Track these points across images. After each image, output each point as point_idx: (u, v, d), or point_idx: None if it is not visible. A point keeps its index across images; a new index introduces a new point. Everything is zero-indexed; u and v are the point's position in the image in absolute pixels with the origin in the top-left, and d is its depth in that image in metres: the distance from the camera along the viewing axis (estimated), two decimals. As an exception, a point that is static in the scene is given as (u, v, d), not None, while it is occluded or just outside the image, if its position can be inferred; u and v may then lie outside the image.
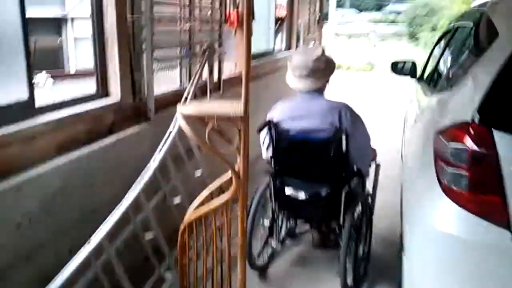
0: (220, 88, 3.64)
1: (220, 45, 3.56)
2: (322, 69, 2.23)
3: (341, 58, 15.29)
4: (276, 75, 5.23)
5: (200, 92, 3.08)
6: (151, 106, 2.72)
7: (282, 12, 6.09)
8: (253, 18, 4.32)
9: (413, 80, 3.97)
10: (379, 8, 48.65)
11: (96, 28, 2.45)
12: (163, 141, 2.52)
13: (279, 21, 5.98)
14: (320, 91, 2.29)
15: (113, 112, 2.48)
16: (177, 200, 2.51)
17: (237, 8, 4.05)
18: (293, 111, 2.27)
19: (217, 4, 3.58)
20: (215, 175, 2.07)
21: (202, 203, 2.05)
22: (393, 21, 40.32)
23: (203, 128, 1.87)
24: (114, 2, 2.42)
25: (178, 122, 1.75)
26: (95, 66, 2.49)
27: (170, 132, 2.57)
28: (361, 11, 48.62)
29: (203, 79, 3.20)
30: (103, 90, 2.51)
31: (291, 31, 6.12)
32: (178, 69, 3.26)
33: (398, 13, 42.13)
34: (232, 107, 1.85)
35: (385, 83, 12.72)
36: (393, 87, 12.56)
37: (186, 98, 2.86)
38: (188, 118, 1.82)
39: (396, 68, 3.87)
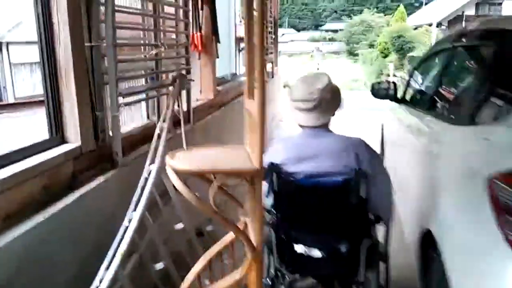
0: (191, 119, 3.19)
1: (188, 72, 3.12)
2: (329, 100, 1.86)
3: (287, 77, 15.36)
4: (241, 100, 4.85)
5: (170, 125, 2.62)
6: (117, 149, 2.22)
7: (241, 33, 5.74)
8: (218, 41, 3.92)
9: (390, 101, 3.71)
10: (316, 27, 50.07)
11: (45, 57, 1.94)
12: (137, 193, 2.04)
13: (238, 41, 5.63)
14: (327, 125, 1.91)
15: (73, 161, 1.96)
16: (159, 265, 2.02)
17: (200, 30, 3.66)
18: (299, 151, 1.86)
19: (181, 27, 3.16)
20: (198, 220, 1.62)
21: (198, 277, 1.60)
22: (330, 39, 41.59)
23: (198, 181, 1.44)
24: (68, 25, 1.93)
25: (172, 181, 1.29)
26: (46, 104, 1.97)
27: (146, 180, 2.09)
28: (299, 30, 49.82)
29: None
30: (58, 134, 1.98)
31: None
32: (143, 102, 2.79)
33: (335, 31, 43.57)
34: (239, 156, 1.42)
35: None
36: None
37: (159, 135, 2.40)
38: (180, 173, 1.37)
39: (378, 91, 3.59)
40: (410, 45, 18.73)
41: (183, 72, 2.97)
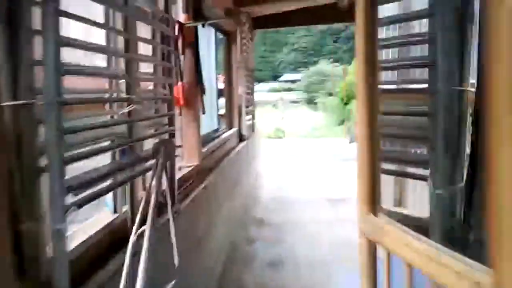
0: (175, 199, 2.20)
1: (172, 135, 2.16)
2: None
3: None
4: (227, 162, 3.91)
5: (143, 215, 1.63)
6: (62, 284, 1.21)
7: (221, 85, 4.89)
8: (203, 92, 3.02)
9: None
10: (275, 78, 50.74)
11: None
12: None
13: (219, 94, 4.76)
14: None
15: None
16: None
17: (181, 79, 2.75)
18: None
19: (159, 73, 2.22)
20: None
21: None
22: (289, 89, 41.94)
23: None
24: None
25: None
26: None
27: None
28: (259, 82, 50.25)
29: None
30: None
31: (231, 105, 4.92)
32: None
33: (293, 81, 44.13)
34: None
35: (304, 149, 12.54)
36: (309, 151, 12.21)
37: (138, 239, 1.41)
38: None
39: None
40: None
41: (167, 137, 2.02)
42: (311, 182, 6.98)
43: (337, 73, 31.86)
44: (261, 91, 41.52)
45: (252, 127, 5.89)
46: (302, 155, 12.33)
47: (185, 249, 2.27)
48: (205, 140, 3.56)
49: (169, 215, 1.71)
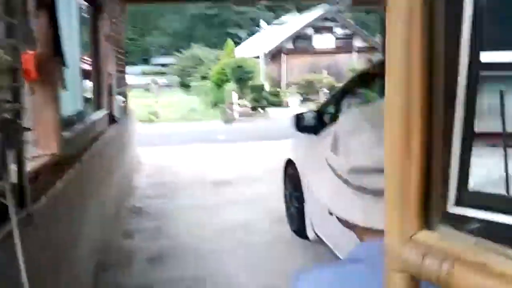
0: (25, 200, 1.66)
1: (18, 115, 1.60)
2: None
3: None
4: (96, 148, 3.34)
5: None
6: None
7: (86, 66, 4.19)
8: (64, 63, 2.43)
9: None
10: (145, 61, 48.61)
11: None
12: None
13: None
14: None
15: None
16: None
17: (34, 47, 2.14)
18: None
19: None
20: None
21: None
22: (161, 73, 40.61)
23: None
24: None
25: None
26: None
27: None
28: (128, 65, 47.51)
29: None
30: None
31: (100, 84, 4.26)
32: None
33: (165, 65, 42.77)
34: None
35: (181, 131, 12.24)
36: (185, 134, 11.89)
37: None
38: None
39: (302, 123, 2.64)
40: (250, 75, 18.75)
41: (10, 116, 1.48)
42: (193, 165, 6.63)
43: (210, 57, 31.74)
44: (132, 74, 39.41)
45: (125, 109, 5.28)
46: (179, 138, 11.95)
47: (43, 265, 1.76)
48: (68, 123, 2.96)
49: (13, 223, 1.22)
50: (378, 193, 0.70)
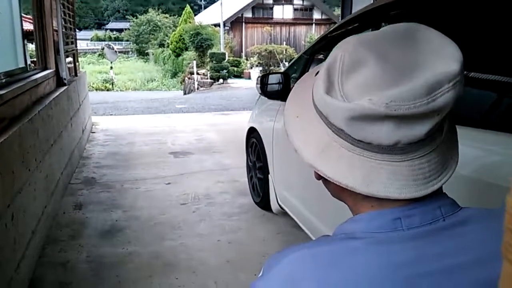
0: None
1: None
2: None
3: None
4: (39, 111, 2.94)
5: None
6: None
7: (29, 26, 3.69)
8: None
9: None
10: (99, 26, 46.05)
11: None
12: None
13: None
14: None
15: None
16: None
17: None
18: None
19: None
20: None
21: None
22: (117, 39, 38.70)
23: None
24: None
25: None
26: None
27: None
28: (80, 29, 44.84)
29: None
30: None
31: (45, 40, 3.77)
32: None
33: (120, 30, 40.76)
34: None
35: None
36: (145, 104, 11.34)
37: None
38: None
39: (269, 87, 2.39)
40: (209, 43, 18.06)
41: None
42: (150, 135, 6.25)
43: (167, 24, 30.52)
44: (84, 39, 37.29)
45: (74, 70, 4.79)
46: (136, 107, 11.43)
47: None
48: (3, 82, 2.55)
49: None
50: (385, 150, 0.53)
